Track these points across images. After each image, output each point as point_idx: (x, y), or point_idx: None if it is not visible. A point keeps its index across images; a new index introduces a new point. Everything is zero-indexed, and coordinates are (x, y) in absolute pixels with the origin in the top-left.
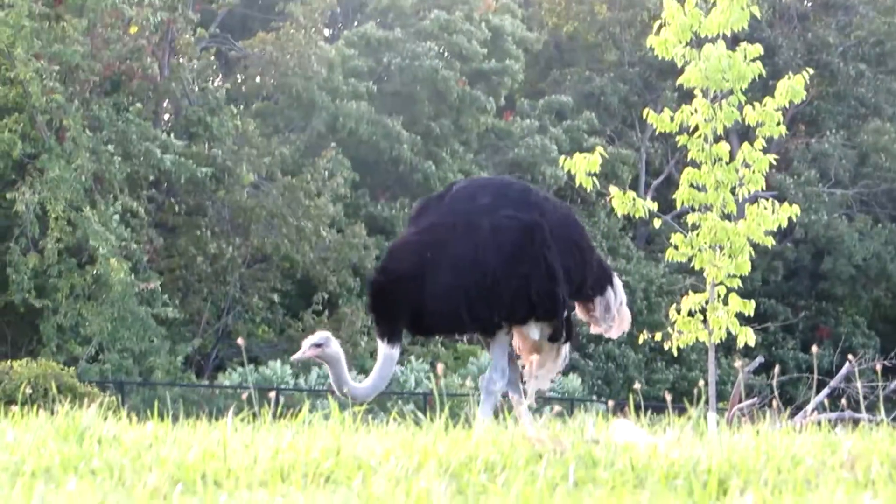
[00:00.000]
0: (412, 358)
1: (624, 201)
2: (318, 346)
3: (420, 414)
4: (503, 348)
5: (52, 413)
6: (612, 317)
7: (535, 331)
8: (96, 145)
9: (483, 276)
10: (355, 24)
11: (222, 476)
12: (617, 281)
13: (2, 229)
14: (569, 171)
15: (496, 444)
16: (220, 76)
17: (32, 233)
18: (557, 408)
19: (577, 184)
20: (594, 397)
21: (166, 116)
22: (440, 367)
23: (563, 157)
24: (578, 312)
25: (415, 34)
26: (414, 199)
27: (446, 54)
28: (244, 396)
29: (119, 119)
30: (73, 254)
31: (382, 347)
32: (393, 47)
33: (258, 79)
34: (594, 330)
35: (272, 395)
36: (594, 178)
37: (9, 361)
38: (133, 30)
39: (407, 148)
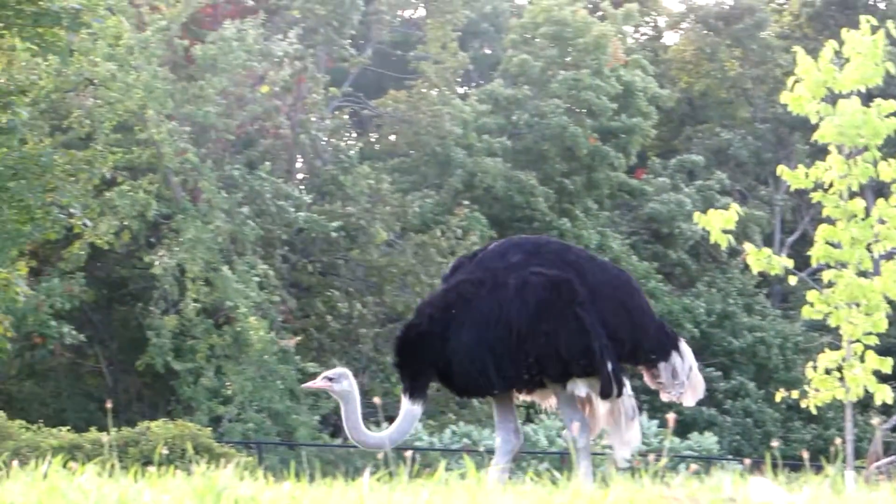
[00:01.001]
0: (543, 416)
1: (759, 258)
2: (330, 379)
3: (556, 473)
4: (570, 404)
5: (189, 473)
6: (682, 383)
7: (580, 387)
8: (231, 205)
9: (507, 333)
10: (486, 83)
11: None
12: (684, 347)
13: (139, 291)
14: (703, 228)
15: (633, 503)
16: (354, 134)
17: (171, 295)
18: (694, 466)
19: (712, 241)
20: (730, 455)
21: (299, 176)
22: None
23: (696, 212)
24: (646, 379)
25: (543, 92)
26: None
27: (576, 110)
28: (380, 456)
29: (252, 178)
30: (209, 314)
31: (405, 403)
32: (521, 105)
33: (392, 137)
34: (665, 397)
35: (408, 454)
36: (729, 236)
37: (146, 422)
38: (264, 89)
39: (542, 201)
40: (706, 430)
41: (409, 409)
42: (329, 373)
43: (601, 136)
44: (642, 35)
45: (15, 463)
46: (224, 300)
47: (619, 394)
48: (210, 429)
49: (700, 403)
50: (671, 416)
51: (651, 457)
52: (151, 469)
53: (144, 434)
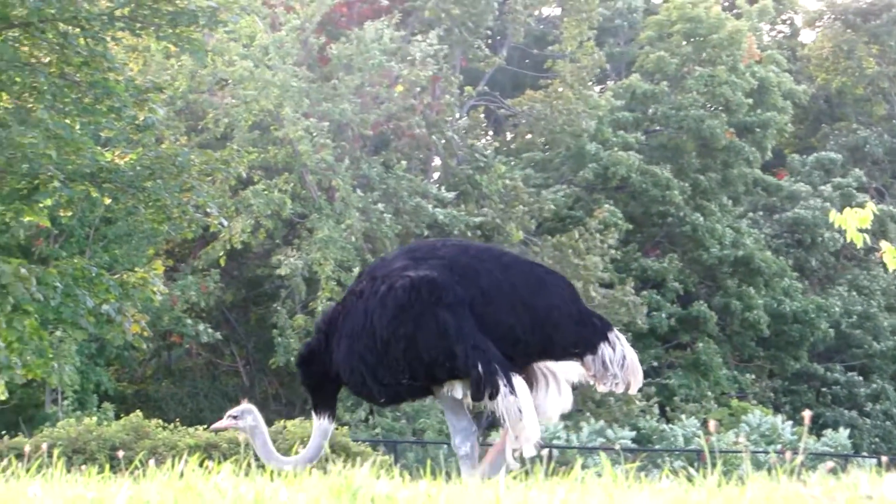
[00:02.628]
0: (682, 416)
1: (895, 256)
2: (234, 417)
3: (692, 470)
4: (452, 409)
5: (325, 472)
6: (614, 374)
7: (457, 389)
8: (366, 204)
9: (372, 341)
10: (620, 80)
11: None
12: (616, 337)
13: (273, 290)
14: (839, 227)
15: (769, 501)
16: (490, 134)
17: (300, 295)
18: (830, 463)
19: (848, 240)
20: (865, 454)
21: (434, 175)
22: (712, 423)
23: (832, 211)
24: (581, 373)
25: (679, 88)
26: (683, 252)
27: (711, 108)
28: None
29: (389, 176)
30: None
31: (314, 419)
32: (658, 99)
33: (528, 136)
34: (600, 388)
35: (544, 451)
36: (865, 235)
37: (282, 421)
38: (399, 89)
39: (677, 194)
40: (839, 429)
41: (317, 424)
42: (233, 411)
43: (737, 131)
44: (778, 33)
45: (152, 462)
46: None
47: (493, 396)
48: (346, 427)
49: (838, 405)
50: (807, 414)
51: (788, 454)
52: None
53: (280, 433)
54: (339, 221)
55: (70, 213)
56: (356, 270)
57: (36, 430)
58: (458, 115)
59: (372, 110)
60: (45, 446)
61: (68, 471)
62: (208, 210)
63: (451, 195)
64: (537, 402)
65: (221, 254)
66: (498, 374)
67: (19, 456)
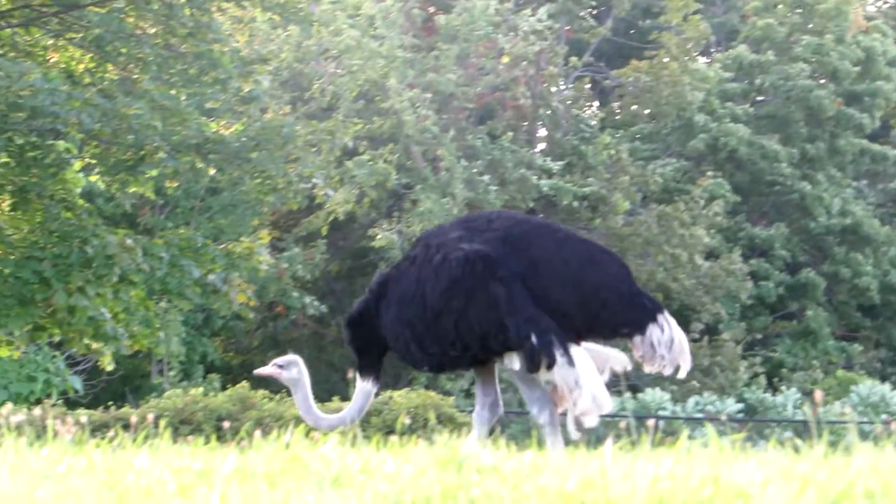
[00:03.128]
0: (789, 386)
1: None
2: (280, 367)
3: (799, 441)
4: (524, 380)
5: (432, 442)
6: (661, 356)
7: (515, 361)
8: (471, 175)
9: (423, 310)
10: (725, 50)
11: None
12: (665, 318)
13: (378, 261)
14: None
15: (876, 472)
16: (595, 105)
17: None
18: None
19: None
20: None
21: (540, 146)
22: (818, 394)
23: None
24: (624, 361)
25: (787, 57)
26: (791, 222)
27: (818, 78)
28: (623, 424)
29: (495, 147)
30: None
31: (357, 380)
32: (765, 69)
33: (633, 107)
34: (647, 369)
35: (651, 422)
36: None
37: (389, 392)
38: (505, 59)
39: (785, 166)
40: None
41: (361, 386)
42: (279, 360)
43: (844, 101)
44: (884, 2)
45: (258, 433)
46: None
47: (550, 367)
48: (453, 398)
49: None
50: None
51: (894, 425)
52: (394, 438)
53: (387, 403)
54: (444, 193)
55: (175, 185)
56: None
57: (142, 400)
58: (563, 86)
59: (476, 81)
60: (151, 417)
61: (174, 441)
62: (315, 180)
63: (556, 165)
64: None
65: (324, 224)
66: (554, 345)
67: (126, 426)
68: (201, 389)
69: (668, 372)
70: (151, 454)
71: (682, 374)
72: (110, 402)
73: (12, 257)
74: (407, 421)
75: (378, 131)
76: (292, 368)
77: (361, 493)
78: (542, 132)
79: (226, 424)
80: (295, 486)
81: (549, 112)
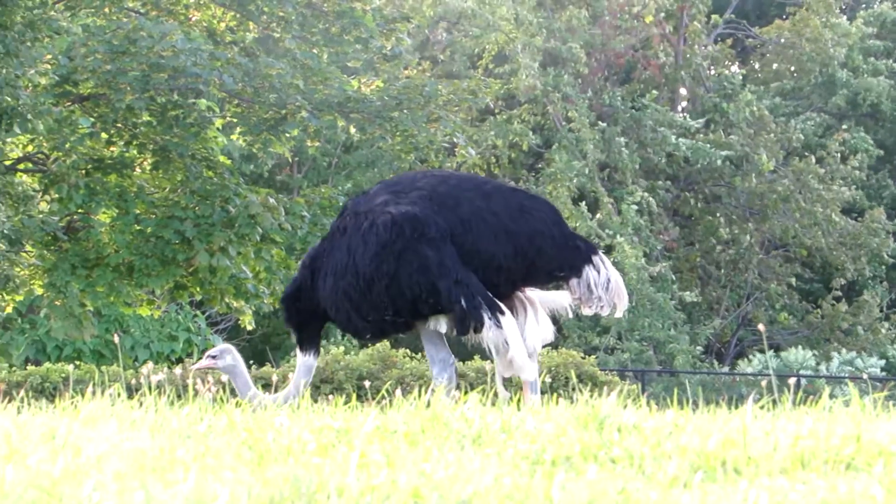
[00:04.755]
0: None
1: None
2: (213, 357)
3: None
4: (431, 340)
5: (573, 401)
6: (598, 297)
7: (441, 324)
8: (609, 135)
9: (355, 278)
10: (869, 7)
11: (742, 464)
12: (600, 259)
13: None
14: None
15: None
16: (737, 63)
17: None
18: None
19: None
20: None
21: (682, 105)
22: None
23: None
24: (566, 300)
25: None
26: None
27: None
28: (764, 383)
29: (633, 107)
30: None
31: (298, 356)
32: None
33: (775, 65)
34: (586, 311)
35: (792, 381)
36: None
37: None
38: (648, 19)
39: None
40: None
41: (302, 361)
42: (211, 351)
43: None
44: None
45: (398, 392)
46: (593, 232)
47: (478, 330)
48: (594, 357)
49: None
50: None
51: None
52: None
53: None
54: (575, 154)
55: (317, 144)
56: (603, 198)
57: (283, 360)
58: (704, 44)
59: (612, 41)
60: (291, 376)
61: (315, 401)
62: (455, 139)
63: (697, 123)
64: None
65: None
66: (482, 308)
67: (266, 386)
68: (342, 348)
69: (605, 312)
70: (291, 413)
71: (618, 314)
72: (251, 362)
73: (154, 217)
74: (548, 380)
75: (515, 91)
76: (226, 356)
77: (502, 452)
78: (682, 91)
79: (366, 383)
80: (435, 444)
81: (690, 69)
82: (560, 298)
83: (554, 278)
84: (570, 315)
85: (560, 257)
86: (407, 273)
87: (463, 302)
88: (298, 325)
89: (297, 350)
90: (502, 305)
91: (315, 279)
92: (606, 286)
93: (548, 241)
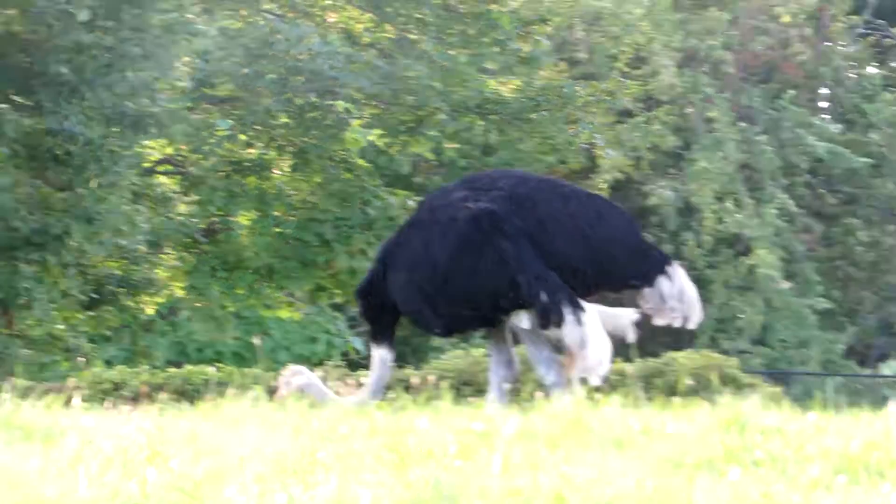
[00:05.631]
0: None
1: None
2: (288, 381)
3: None
4: (531, 340)
5: (714, 404)
6: (671, 308)
7: (524, 320)
8: (748, 135)
9: (432, 272)
10: None
11: (885, 466)
12: (675, 270)
13: (660, 221)
14: None
15: None
16: (876, 63)
17: (673, 225)
18: None
19: None
20: None
21: (822, 104)
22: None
23: None
24: (633, 321)
25: None
26: None
27: None
28: None
29: (772, 108)
30: (729, 244)
31: (373, 350)
32: None
33: None
34: (658, 322)
35: None
36: None
37: (671, 353)
38: (786, 19)
39: None
40: None
41: (375, 353)
42: (285, 376)
43: None
44: None
45: (539, 394)
46: (735, 233)
47: (559, 324)
48: (736, 359)
49: None
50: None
51: None
52: (676, 400)
53: (669, 365)
54: (717, 153)
55: (455, 145)
56: (744, 200)
57: (423, 361)
58: (844, 44)
59: (751, 43)
60: (432, 378)
61: (456, 403)
62: (594, 140)
63: (837, 127)
64: None
65: (604, 183)
66: (563, 303)
67: (407, 388)
68: (483, 350)
69: (677, 324)
70: (433, 415)
71: (691, 326)
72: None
73: (293, 219)
74: (689, 382)
75: (653, 92)
76: (299, 377)
77: (643, 455)
78: (822, 91)
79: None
80: (576, 447)
81: (831, 70)
82: (623, 317)
83: (627, 286)
84: (632, 336)
85: (633, 265)
86: (486, 267)
87: (544, 296)
88: (371, 319)
89: (371, 343)
90: (583, 302)
91: (387, 273)
92: (680, 297)
93: (622, 248)
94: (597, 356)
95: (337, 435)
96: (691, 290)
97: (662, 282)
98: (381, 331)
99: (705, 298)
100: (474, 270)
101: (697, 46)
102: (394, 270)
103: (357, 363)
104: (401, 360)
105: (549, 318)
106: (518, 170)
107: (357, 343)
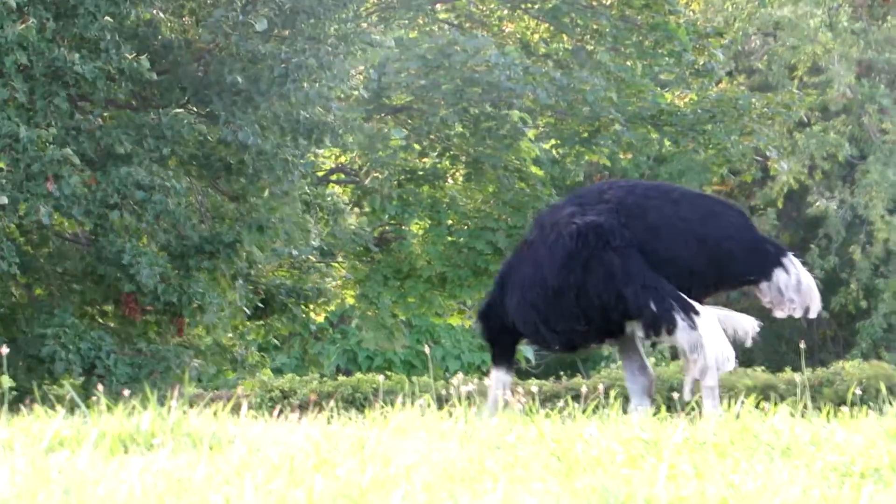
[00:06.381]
0: None
1: None
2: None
3: None
4: (627, 355)
5: (882, 413)
6: (790, 299)
7: (638, 329)
8: None
9: (543, 290)
10: None
11: None
12: (790, 261)
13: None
14: None
15: None
16: None
17: (837, 237)
18: None
19: None
20: None
21: None
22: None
23: None
24: (753, 325)
25: None
26: None
27: None
28: None
29: None
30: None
31: (493, 371)
32: None
33: None
34: (778, 314)
35: None
36: None
37: (840, 363)
38: None
39: None
40: None
41: (495, 375)
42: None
43: None
44: None
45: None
46: None
47: (671, 332)
48: None
49: None
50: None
51: None
52: (844, 409)
53: (838, 374)
54: (890, 165)
55: (630, 156)
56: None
57: (593, 370)
58: None
59: None
60: (601, 387)
61: (625, 412)
62: (768, 153)
63: None
64: None
65: (779, 195)
66: (674, 309)
67: (576, 397)
68: (653, 360)
69: (798, 314)
70: (601, 424)
71: (811, 315)
72: (561, 372)
73: (466, 228)
74: (858, 392)
75: (830, 102)
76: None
77: (811, 464)
78: None
79: (675, 395)
80: (744, 456)
81: None
82: (744, 322)
83: (745, 283)
84: (752, 340)
85: (750, 261)
86: (594, 282)
87: (652, 305)
88: (491, 341)
89: (492, 365)
90: (697, 305)
91: (504, 294)
92: (798, 288)
93: (737, 245)
94: (713, 357)
95: (505, 443)
96: (808, 280)
97: (779, 274)
98: (500, 353)
99: (873, 307)
100: (582, 286)
101: (875, 58)
102: (510, 291)
103: (527, 372)
104: (571, 369)
105: (659, 326)
106: (626, 180)
107: (528, 353)
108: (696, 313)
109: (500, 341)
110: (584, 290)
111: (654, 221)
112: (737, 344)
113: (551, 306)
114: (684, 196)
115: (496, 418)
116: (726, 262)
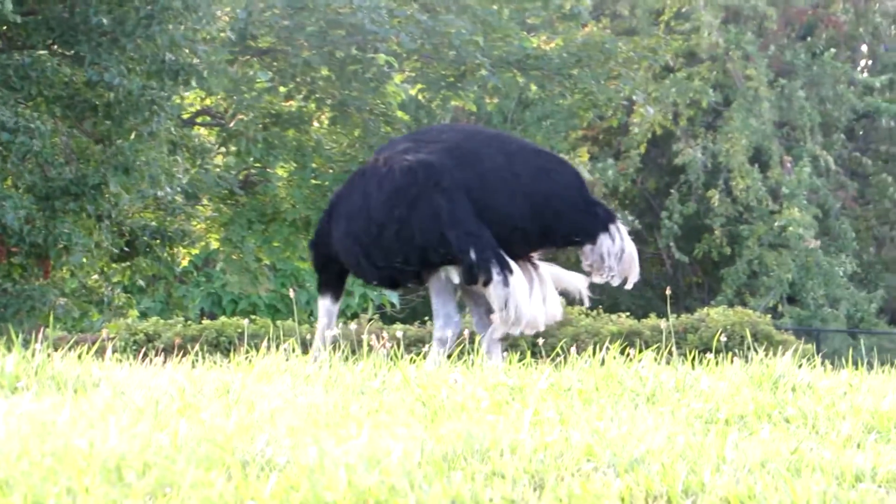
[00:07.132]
0: None
1: None
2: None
3: None
4: (440, 294)
5: (747, 361)
6: (610, 266)
7: (454, 275)
8: (790, 91)
9: (367, 222)
10: None
11: None
12: (617, 228)
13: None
14: None
15: None
16: None
17: (698, 183)
18: None
19: None
20: None
21: (862, 62)
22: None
23: None
24: (581, 281)
25: None
26: None
27: None
28: None
29: (814, 64)
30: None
31: (319, 300)
32: None
33: None
34: (596, 279)
35: None
36: None
37: (705, 309)
38: None
39: None
40: None
41: (321, 304)
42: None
43: None
44: None
45: (573, 349)
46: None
47: (486, 283)
48: (769, 316)
49: None
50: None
51: None
52: (709, 356)
53: (703, 321)
54: (750, 111)
55: (495, 100)
56: (774, 157)
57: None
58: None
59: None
60: (466, 333)
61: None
62: (634, 97)
63: (878, 81)
64: None
65: (642, 140)
66: (492, 262)
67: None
68: None
69: (615, 283)
70: (466, 371)
71: (628, 286)
72: (426, 318)
73: (331, 172)
74: (723, 339)
75: (696, 48)
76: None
77: (676, 411)
78: (863, 48)
79: (540, 341)
80: (609, 403)
81: (870, 27)
82: (575, 280)
83: (569, 243)
84: (584, 300)
85: (577, 222)
86: (418, 220)
87: (472, 253)
88: (318, 269)
89: (318, 294)
90: (513, 264)
91: (331, 222)
92: (619, 256)
93: (566, 204)
94: (520, 316)
95: (370, 388)
96: (631, 250)
97: (604, 239)
98: (326, 281)
99: (736, 254)
100: (406, 222)
101: (742, 5)
102: (336, 220)
103: (392, 317)
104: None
105: (476, 275)
106: (468, 124)
107: (394, 297)
108: (511, 271)
109: (326, 269)
110: (406, 227)
111: (486, 170)
112: (570, 300)
113: (373, 240)
114: (522, 149)
115: (323, 352)
116: (552, 220)
